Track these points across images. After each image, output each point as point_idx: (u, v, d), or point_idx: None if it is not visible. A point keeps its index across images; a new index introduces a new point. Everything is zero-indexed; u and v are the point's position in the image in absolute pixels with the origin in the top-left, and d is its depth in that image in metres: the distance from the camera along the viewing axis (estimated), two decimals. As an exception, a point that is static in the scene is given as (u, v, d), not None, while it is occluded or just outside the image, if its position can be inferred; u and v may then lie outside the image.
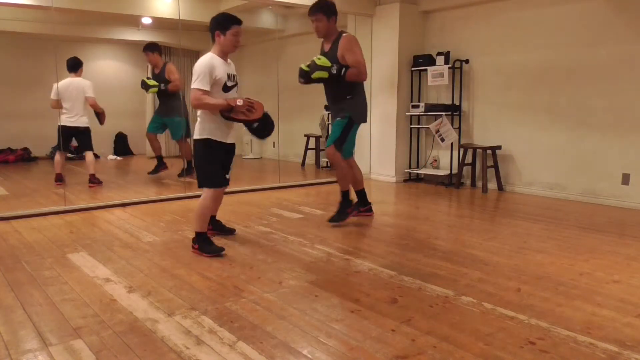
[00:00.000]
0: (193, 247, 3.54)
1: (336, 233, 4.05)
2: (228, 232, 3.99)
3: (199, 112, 3.50)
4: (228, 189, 5.92)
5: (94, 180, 6.48)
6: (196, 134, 3.49)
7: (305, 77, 4.10)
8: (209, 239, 3.55)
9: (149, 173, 6.88)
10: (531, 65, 5.69)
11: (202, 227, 3.51)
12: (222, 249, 3.49)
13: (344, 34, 4.12)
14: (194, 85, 3.37)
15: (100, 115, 6.60)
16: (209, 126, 3.46)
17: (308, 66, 4.07)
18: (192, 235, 3.98)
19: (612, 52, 5.05)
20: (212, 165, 3.50)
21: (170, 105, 6.61)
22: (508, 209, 5.03)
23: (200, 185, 3.53)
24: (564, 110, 5.46)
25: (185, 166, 6.65)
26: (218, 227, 3.98)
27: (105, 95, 6.80)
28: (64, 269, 3.18)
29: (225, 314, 2.48)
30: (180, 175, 6.76)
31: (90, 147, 6.62)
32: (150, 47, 6.49)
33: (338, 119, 4.23)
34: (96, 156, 7.91)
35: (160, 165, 6.86)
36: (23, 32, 7.15)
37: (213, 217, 3.92)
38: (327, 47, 4.17)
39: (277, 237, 3.92)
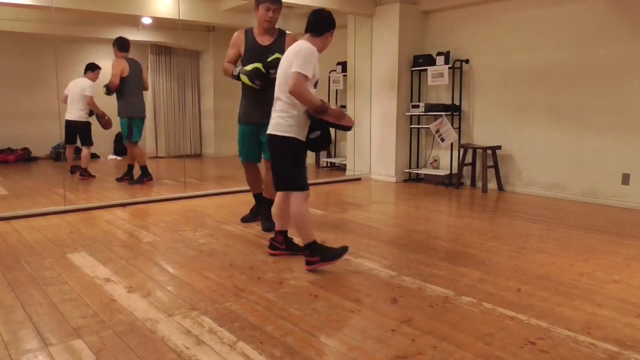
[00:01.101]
0: (310, 263, 3.12)
1: (336, 233, 4.04)
2: (301, 250, 3.41)
3: (282, 105, 3.11)
4: (228, 189, 5.95)
5: (84, 174, 6.69)
6: (279, 130, 3.10)
7: (264, 78, 3.77)
8: (323, 245, 3.23)
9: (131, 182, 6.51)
10: (531, 65, 5.69)
11: (311, 236, 3.13)
12: (347, 247, 3.22)
13: (287, 32, 3.97)
14: (299, 69, 2.95)
15: (100, 119, 6.65)
16: (297, 124, 3.09)
17: (267, 65, 3.76)
18: (191, 235, 3.99)
19: (612, 52, 5.05)
20: (300, 167, 3.16)
21: (119, 105, 6.25)
22: (508, 209, 5.03)
23: (287, 189, 3.20)
24: (564, 110, 5.46)
25: (127, 170, 6.48)
26: (292, 246, 3.48)
27: (105, 95, 6.81)
28: (64, 269, 3.18)
29: (225, 314, 2.48)
30: (119, 179, 6.52)
31: (86, 143, 6.72)
32: (113, 42, 6.24)
33: None
34: (95, 155, 7.96)
35: (145, 175, 6.42)
36: (23, 32, 7.14)
37: (285, 234, 3.46)
38: (266, 42, 3.90)
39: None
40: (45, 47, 7.57)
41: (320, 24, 3.15)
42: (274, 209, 4.12)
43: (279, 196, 3.41)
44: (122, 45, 6.22)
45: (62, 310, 2.54)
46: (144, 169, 6.40)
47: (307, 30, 3.16)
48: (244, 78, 3.81)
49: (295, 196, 3.12)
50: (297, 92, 2.96)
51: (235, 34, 4.00)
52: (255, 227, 4.25)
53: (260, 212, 4.27)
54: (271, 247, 3.46)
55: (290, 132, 3.09)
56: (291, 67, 3.00)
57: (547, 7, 5.53)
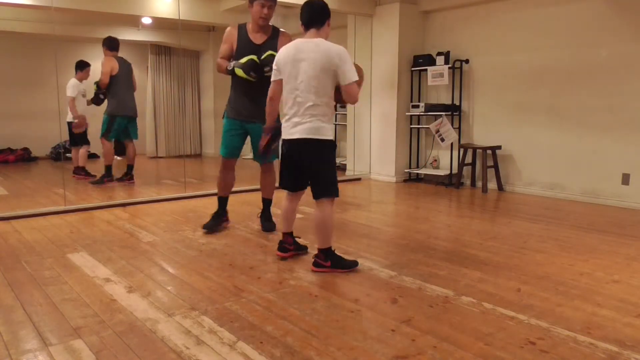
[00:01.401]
0: (320, 266, 3.11)
1: (336, 233, 4.04)
2: (303, 249, 3.53)
3: (322, 109, 3.00)
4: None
5: (80, 173, 6.68)
6: (323, 134, 3.03)
7: (260, 70, 3.67)
8: (335, 252, 3.17)
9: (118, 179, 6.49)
10: (531, 65, 5.69)
11: (330, 242, 3.11)
12: (357, 262, 3.19)
13: (281, 30, 3.90)
14: (354, 77, 2.95)
15: (73, 119, 6.64)
16: (331, 125, 3.06)
17: (261, 63, 3.67)
18: (191, 235, 3.99)
19: (612, 52, 5.05)
20: (335, 170, 3.15)
21: (107, 103, 6.31)
22: (508, 209, 5.03)
23: (327, 195, 3.06)
24: (564, 110, 5.46)
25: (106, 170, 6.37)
26: (298, 246, 3.50)
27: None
28: (64, 269, 3.18)
29: (225, 314, 2.48)
30: (119, 179, 6.45)
31: (77, 142, 6.70)
32: (103, 41, 6.29)
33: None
34: (95, 155, 7.96)
35: (107, 175, 6.37)
36: (23, 32, 7.15)
37: (292, 234, 3.43)
38: (259, 39, 3.80)
39: (277, 237, 3.90)
40: (45, 47, 7.58)
41: (320, 15, 3.07)
42: (274, 209, 4.12)
43: (286, 198, 3.31)
44: (111, 44, 6.25)
45: (62, 310, 2.54)
46: (108, 168, 6.33)
47: (309, 25, 3.05)
48: (239, 71, 3.69)
49: (329, 202, 3.07)
50: (357, 100, 3.03)
51: (228, 29, 3.88)
52: (255, 227, 4.25)
53: (262, 212, 4.22)
54: (282, 249, 3.38)
55: (330, 135, 3.06)
56: (343, 78, 2.94)
57: (547, 7, 5.53)
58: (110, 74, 6.11)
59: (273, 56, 3.42)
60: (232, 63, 3.76)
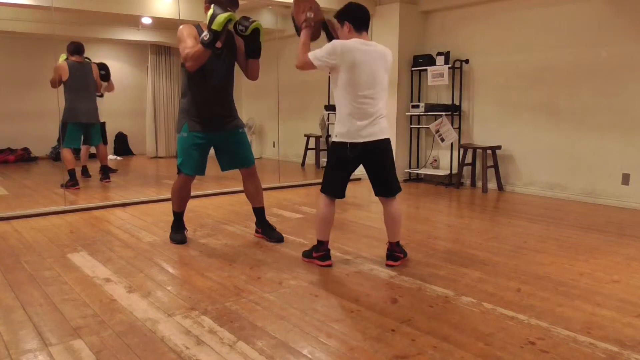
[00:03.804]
0: (399, 260, 3.24)
1: (336, 233, 4.04)
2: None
3: (383, 109, 3.11)
4: (228, 189, 5.95)
5: (84, 174, 6.65)
6: (388, 133, 3.18)
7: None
8: None
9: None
10: (531, 65, 5.69)
11: None
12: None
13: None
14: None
15: None
16: None
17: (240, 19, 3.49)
18: (191, 235, 3.99)
19: (612, 52, 5.05)
20: None
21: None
22: (508, 209, 5.03)
23: (400, 190, 3.45)
24: (564, 110, 5.46)
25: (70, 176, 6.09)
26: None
27: (105, 94, 6.80)
28: (64, 269, 3.18)
29: (225, 314, 2.48)
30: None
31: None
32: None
33: (240, 130, 3.71)
34: (94, 156, 7.96)
35: (71, 179, 6.04)
36: (23, 32, 7.14)
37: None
38: (218, 43, 3.53)
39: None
40: (45, 47, 7.57)
41: (369, 21, 3.10)
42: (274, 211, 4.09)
43: (328, 204, 3.26)
44: (71, 49, 6.17)
45: (62, 310, 2.54)
46: (69, 173, 6.04)
47: (363, 28, 3.04)
48: (220, 18, 3.30)
49: (398, 197, 3.32)
50: None
51: (187, 26, 3.52)
52: (255, 227, 4.24)
53: (259, 222, 3.92)
54: (327, 258, 3.24)
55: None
56: (386, 80, 3.11)
57: (547, 7, 5.53)
58: (60, 80, 5.97)
59: (248, 19, 3.46)
60: (205, 32, 3.36)
